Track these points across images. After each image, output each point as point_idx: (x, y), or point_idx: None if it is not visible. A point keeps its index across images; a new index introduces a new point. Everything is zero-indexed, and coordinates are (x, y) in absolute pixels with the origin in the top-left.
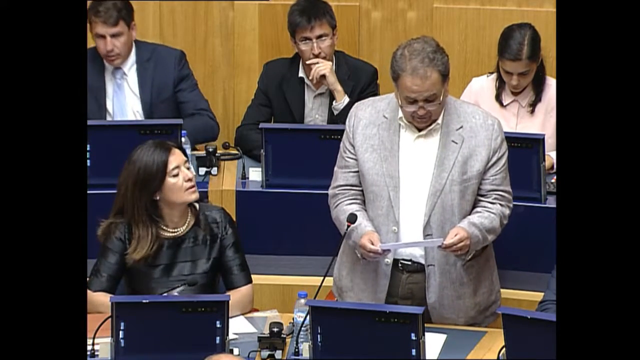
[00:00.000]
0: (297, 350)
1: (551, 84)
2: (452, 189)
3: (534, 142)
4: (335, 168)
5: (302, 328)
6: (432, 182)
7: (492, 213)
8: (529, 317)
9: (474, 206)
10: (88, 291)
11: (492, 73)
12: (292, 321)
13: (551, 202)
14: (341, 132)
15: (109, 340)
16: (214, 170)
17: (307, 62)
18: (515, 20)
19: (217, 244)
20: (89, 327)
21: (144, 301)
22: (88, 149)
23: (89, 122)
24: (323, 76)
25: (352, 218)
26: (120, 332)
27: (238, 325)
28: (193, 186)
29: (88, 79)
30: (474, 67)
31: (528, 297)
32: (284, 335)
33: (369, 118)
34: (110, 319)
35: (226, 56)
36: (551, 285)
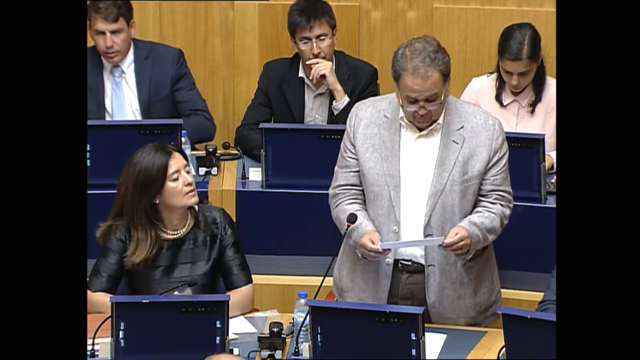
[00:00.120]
0: (297, 350)
1: (551, 84)
2: (453, 189)
3: (534, 142)
4: (336, 168)
5: (302, 328)
6: (433, 182)
7: (493, 213)
8: (529, 317)
9: (475, 206)
10: (88, 291)
11: (492, 73)
12: (292, 321)
13: (551, 202)
14: (341, 132)
15: (109, 340)
16: (214, 170)
17: (307, 62)
18: (515, 20)
19: (216, 244)
20: (89, 327)
21: (144, 301)
22: (88, 149)
23: (89, 122)
24: (323, 76)
25: (352, 218)
26: (120, 332)
27: (238, 325)
28: (193, 190)
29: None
30: (474, 67)
31: (528, 297)
32: (284, 335)
33: (370, 118)
34: (110, 319)
35: (226, 56)
36: (551, 285)
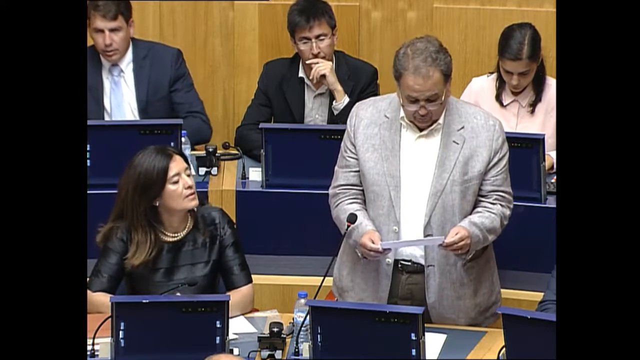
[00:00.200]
0: (297, 350)
1: (551, 84)
2: (453, 189)
3: (534, 142)
4: (336, 167)
5: (302, 328)
6: (433, 183)
7: (493, 213)
8: (529, 317)
9: (475, 206)
10: (88, 291)
11: (492, 73)
12: (292, 321)
13: (551, 202)
14: (341, 132)
15: (109, 340)
16: (214, 170)
17: (307, 62)
18: (515, 20)
19: (216, 245)
20: (89, 327)
21: (144, 301)
22: (88, 149)
23: (89, 122)
24: (323, 76)
25: (352, 218)
26: (120, 332)
27: (238, 325)
28: (193, 193)
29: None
30: (474, 67)
31: (528, 297)
32: (284, 335)
33: (370, 118)
34: (110, 319)
35: (226, 56)
36: (551, 285)
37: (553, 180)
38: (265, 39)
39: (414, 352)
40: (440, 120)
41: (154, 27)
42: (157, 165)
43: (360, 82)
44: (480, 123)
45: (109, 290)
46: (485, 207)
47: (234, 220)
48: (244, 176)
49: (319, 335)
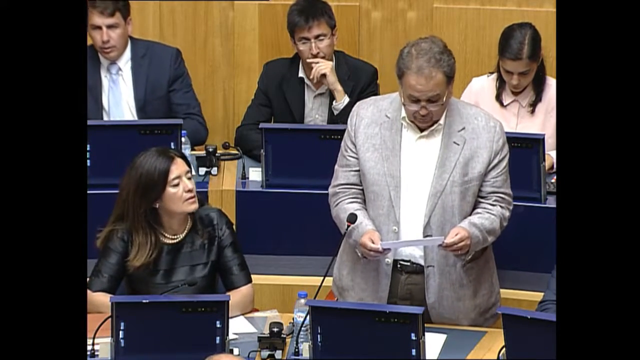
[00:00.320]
0: (297, 350)
1: (551, 84)
2: (453, 190)
3: (534, 142)
4: (336, 166)
5: (302, 328)
6: (433, 183)
7: (493, 214)
8: (529, 317)
9: (474, 207)
10: (88, 291)
11: (492, 73)
12: (292, 321)
13: (551, 202)
14: (341, 132)
15: (109, 340)
16: (214, 170)
17: (308, 61)
18: (515, 20)
19: (214, 246)
20: (89, 327)
21: (144, 301)
22: (88, 149)
23: (89, 122)
24: (324, 75)
25: (352, 218)
26: (120, 332)
27: (238, 325)
28: (193, 197)
29: None
30: (474, 67)
31: (528, 297)
32: (284, 335)
33: (371, 117)
34: (110, 319)
35: (226, 56)
36: (551, 285)
37: (553, 180)
38: (265, 39)
39: (414, 352)
40: (441, 121)
41: (154, 27)
42: (159, 167)
43: (360, 82)
44: (481, 124)
45: (109, 290)
46: (485, 208)
47: (234, 221)
48: (244, 176)
49: (319, 335)
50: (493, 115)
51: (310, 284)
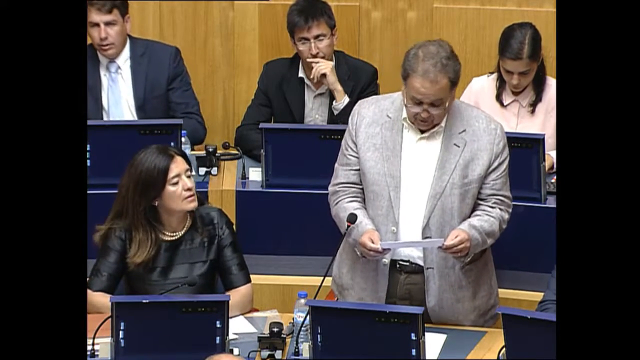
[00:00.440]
0: (297, 350)
1: (551, 84)
2: (453, 192)
3: (534, 142)
4: (336, 165)
5: (302, 328)
6: (433, 185)
7: (492, 217)
8: (529, 317)
9: (474, 210)
10: (88, 291)
11: (492, 73)
12: (292, 321)
13: (551, 202)
14: (341, 132)
15: (109, 340)
16: (214, 170)
17: (308, 61)
18: (515, 20)
19: (214, 245)
20: (89, 327)
21: (144, 301)
22: (88, 149)
23: (89, 122)
24: (324, 75)
25: (352, 218)
26: (120, 332)
27: (238, 325)
28: (192, 195)
29: None
30: (474, 67)
31: (528, 297)
32: (284, 335)
33: (372, 117)
34: (110, 319)
35: (226, 56)
36: (551, 285)
37: (553, 180)
38: (265, 39)
39: (414, 352)
40: (442, 123)
41: (154, 27)
42: (158, 165)
43: (360, 82)
44: (482, 127)
45: (108, 289)
46: (484, 210)
47: (234, 221)
48: (244, 176)
49: (319, 335)
50: (493, 116)
51: (310, 284)
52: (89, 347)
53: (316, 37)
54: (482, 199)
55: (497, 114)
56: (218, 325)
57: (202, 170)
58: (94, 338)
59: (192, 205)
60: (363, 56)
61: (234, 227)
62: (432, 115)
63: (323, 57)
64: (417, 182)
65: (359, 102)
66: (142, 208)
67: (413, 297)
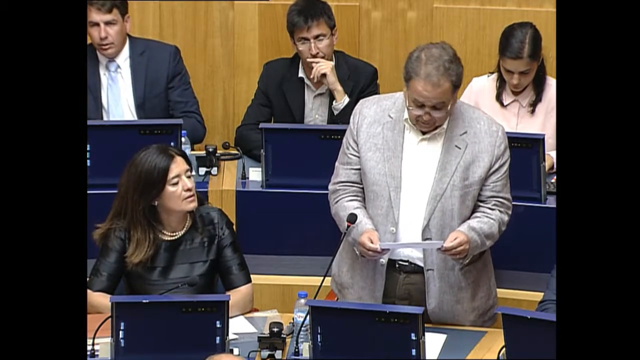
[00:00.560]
0: (297, 350)
1: (551, 83)
2: (453, 194)
3: (534, 142)
4: (337, 163)
5: (302, 328)
6: (433, 186)
7: (492, 219)
8: (529, 317)
9: (473, 211)
10: (88, 291)
11: (492, 73)
12: (292, 321)
13: (551, 202)
14: (341, 132)
15: (109, 340)
16: (214, 170)
17: (308, 61)
18: (515, 20)
19: (214, 245)
20: (89, 327)
21: (144, 301)
22: (88, 149)
23: (89, 122)
24: (324, 75)
25: (352, 218)
26: (120, 332)
27: (238, 325)
28: (192, 196)
29: None
30: (474, 67)
31: (528, 297)
32: (284, 335)
33: (374, 116)
34: (110, 319)
35: (226, 56)
36: (551, 285)
37: (553, 180)
38: (265, 39)
39: (414, 352)
40: (444, 125)
41: (154, 27)
42: (158, 165)
43: (360, 82)
44: (484, 129)
45: (108, 288)
46: (484, 212)
47: (234, 221)
48: (244, 176)
49: (319, 335)
50: (493, 116)
51: (310, 284)
52: (89, 347)
53: (316, 37)
54: (482, 201)
55: (497, 114)
56: (218, 325)
57: (202, 170)
58: (94, 338)
59: (192, 205)
60: (363, 56)
61: (234, 227)
62: (434, 117)
63: (323, 57)
64: (418, 183)
65: (361, 101)
66: (141, 208)
67: (412, 297)
